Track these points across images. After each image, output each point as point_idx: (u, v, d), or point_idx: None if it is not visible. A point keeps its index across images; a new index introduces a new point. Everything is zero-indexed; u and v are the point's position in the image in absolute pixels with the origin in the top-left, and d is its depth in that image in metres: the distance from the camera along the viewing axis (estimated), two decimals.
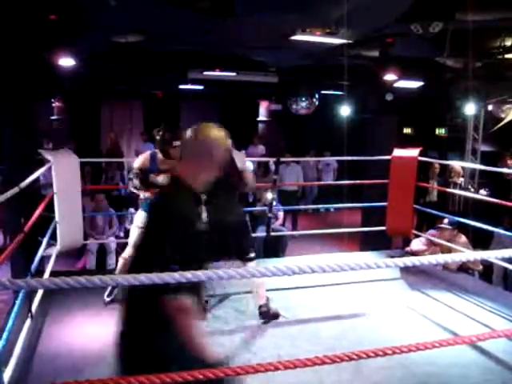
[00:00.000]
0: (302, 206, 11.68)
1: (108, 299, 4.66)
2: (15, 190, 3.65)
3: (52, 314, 4.52)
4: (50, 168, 5.14)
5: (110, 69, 9.21)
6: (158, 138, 4.39)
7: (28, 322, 4.00)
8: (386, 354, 2.03)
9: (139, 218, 4.52)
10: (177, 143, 4.24)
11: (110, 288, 4.64)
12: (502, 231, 6.04)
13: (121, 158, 12.82)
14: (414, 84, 9.30)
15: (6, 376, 3.09)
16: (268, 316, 4.35)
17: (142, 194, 4.58)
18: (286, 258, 7.26)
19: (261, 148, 13.12)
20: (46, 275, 4.82)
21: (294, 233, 9.55)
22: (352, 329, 4.34)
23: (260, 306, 4.34)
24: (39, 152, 5.57)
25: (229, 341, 4.07)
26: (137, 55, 7.74)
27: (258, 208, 8.26)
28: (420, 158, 6.03)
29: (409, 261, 2.14)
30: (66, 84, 10.11)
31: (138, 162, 4.51)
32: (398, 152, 6.21)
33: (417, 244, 6.39)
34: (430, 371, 3.59)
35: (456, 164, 9.47)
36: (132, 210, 8.39)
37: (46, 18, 5.52)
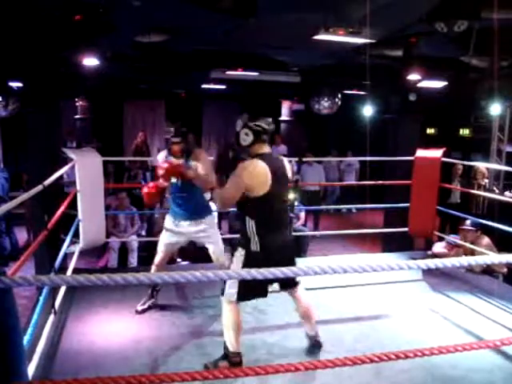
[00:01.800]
0: (324, 207, 11.65)
1: (141, 308, 4.59)
2: (39, 187, 3.70)
3: (74, 311, 4.58)
4: (73, 166, 5.21)
5: (133, 68, 9.28)
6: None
7: (51, 317, 4.06)
8: (407, 357, 2.01)
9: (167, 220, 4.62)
10: (176, 139, 4.31)
11: (145, 298, 4.63)
12: None
13: (148, 157, 12.91)
14: (438, 84, 9.19)
15: (30, 370, 3.13)
16: (318, 345, 3.89)
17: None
18: (308, 258, 7.25)
19: (283, 148, 13.10)
20: (69, 272, 4.89)
21: (316, 233, 9.52)
22: (373, 330, 4.31)
23: (314, 337, 3.88)
24: (63, 150, 5.64)
25: (248, 340, 4.08)
26: (160, 55, 7.79)
27: None
28: (443, 159, 5.96)
29: (432, 263, 2.12)
30: (90, 83, 10.21)
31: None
32: (421, 153, 6.16)
33: (439, 246, 6.33)
34: (452, 375, 3.55)
35: (481, 165, 9.35)
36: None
37: (71, 18, 5.58)
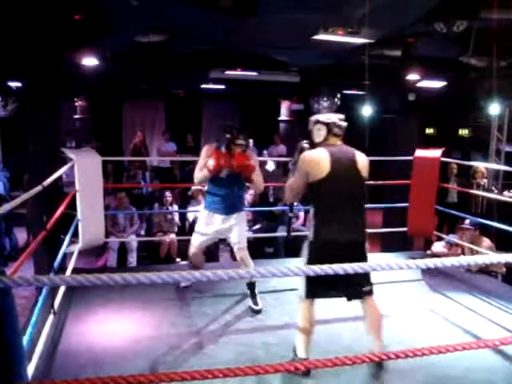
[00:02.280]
0: None
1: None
2: (38, 188, 3.70)
3: (73, 311, 4.57)
4: (72, 166, 5.21)
5: (132, 68, 9.28)
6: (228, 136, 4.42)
7: (51, 317, 4.06)
8: (407, 357, 2.02)
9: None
10: (241, 142, 4.34)
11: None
12: None
13: (146, 157, 12.93)
14: (437, 84, 9.20)
15: (30, 370, 3.13)
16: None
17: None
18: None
19: (282, 147, 13.11)
20: (68, 272, 4.88)
21: None
22: None
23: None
24: (62, 150, 5.64)
25: (247, 338, 4.08)
26: (159, 55, 7.79)
27: (278, 208, 8.26)
28: (443, 159, 5.97)
29: (431, 262, 2.12)
30: (89, 83, 10.21)
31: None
32: (420, 152, 6.16)
33: (438, 246, 6.34)
34: (452, 375, 3.55)
35: (480, 165, 9.35)
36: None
37: (71, 18, 5.58)
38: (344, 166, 3.39)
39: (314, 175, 3.36)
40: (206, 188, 4.86)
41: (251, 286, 4.67)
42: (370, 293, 3.50)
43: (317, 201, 3.45)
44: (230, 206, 4.52)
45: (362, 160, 3.50)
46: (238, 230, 4.58)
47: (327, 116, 3.55)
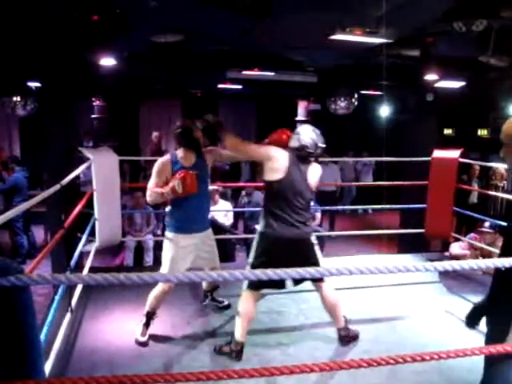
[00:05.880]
0: (340, 207, 11.61)
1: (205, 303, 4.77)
2: (56, 187, 3.72)
3: (90, 309, 4.61)
4: (89, 166, 5.24)
5: (149, 68, 9.32)
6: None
7: (68, 315, 4.09)
8: (423, 360, 1.99)
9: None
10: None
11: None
12: None
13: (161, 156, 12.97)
14: (456, 84, 9.11)
15: (47, 368, 3.16)
16: (347, 339, 4.02)
17: None
18: (323, 258, 7.22)
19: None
20: (85, 271, 4.92)
21: (331, 233, 9.49)
22: (389, 332, 4.28)
23: (339, 330, 4.02)
24: (80, 150, 5.68)
25: (262, 339, 4.08)
26: (176, 55, 7.81)
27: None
28: (461, 160, 5.90)
29: (449, 264, 2.09)
30: (107, 83, 10.28)
31: None
32: (438, 153, 6.10)
33: (456, 248, 6.27)
34: (469, 379, 3.50)
35: (499, 166, 9.23)
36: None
37: (89, 19, 5.61)
38: (298, 171, 3.78)
39: (272, 170, 3.71)
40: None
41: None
42: (321, 280, 3.85)
43: (271, 198, 3.81)
44: (204, 218, 4.20)
45: (317, 172, 3.95)
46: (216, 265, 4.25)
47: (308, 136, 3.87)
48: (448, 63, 7.58)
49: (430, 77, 7.56)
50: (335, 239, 9.51)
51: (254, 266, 3.70)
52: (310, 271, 1.82)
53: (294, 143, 3.84)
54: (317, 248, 3.91)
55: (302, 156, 3.82)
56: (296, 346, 3.98)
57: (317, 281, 3.86)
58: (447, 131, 14.78)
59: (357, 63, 8.72)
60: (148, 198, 4.12)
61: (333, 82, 10.19)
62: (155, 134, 13.10)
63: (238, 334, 3.78)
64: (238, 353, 3.76)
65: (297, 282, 3.79)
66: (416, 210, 6.51)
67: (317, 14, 5.59)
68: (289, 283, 3.77)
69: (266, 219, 3.75)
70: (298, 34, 6.60)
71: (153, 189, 4.01)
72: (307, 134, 3.85)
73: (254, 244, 3.82)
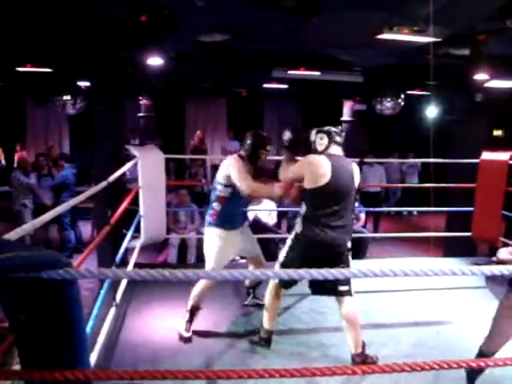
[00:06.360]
0: (385, 208, 11.45)
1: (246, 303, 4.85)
2: (104, 183, 3.81)
3: (134, 304, 4.69)
4: (136, 163, 5.34)
5: (195, 67, 9.41)
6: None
7: (112, 310, 4.18)
8: (469, 366, 1.95)
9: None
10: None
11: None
12: None
13: (205, 155, 13.12)
14: (507, 83, 8.84)
15: (92, 360, 3.24)
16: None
17: None
18: (367, 260, 7.15)
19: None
20: (130, 266, 5.01)
21: (376, 235, 9.38)
22: (432, 336, 4.20)
23: (354, 356, 3.63)
24: (126, 148, 5.78)
25: (304, 340, 4.06)
26: (222, 54, 7.86)
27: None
28: (511, 162, 5.74)
29: (496, 269, 2.04)
30: (154, 82, 10.42)
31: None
32: (487, 155, 5.95)
33: (504, 253, 6.08)
34: None
35: None
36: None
37: (137, 19, 5.71)
38: (343, 174, 3.63)
39: (313, 180, 3.57)
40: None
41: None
42: (348, 293, 3.68)
43: (313, 203, 3.65)
44: (242, 217, 4.48)
45: (357, 171, 3.82)
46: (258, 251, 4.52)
47: (328, 127, 3.78)
48: (499, 62, 7.36)
49: (480, 76, 7.35)
50: (379, 241, 9.40)
51: (283, 266, 3.69)
52: (354, 272, 1.81)
53: (318, 142, 3.73)
54: (350, 254, 3.79)
55: (338, 142, 3.72)
56: (337, 347, 3.95)
57: (338, 294, 3.71)
58: (497, 132, 14.38)
59: (404, 63, 8.58)
60: (248, 190, 3.98)
61: (379, 81, 10.05)
62: (197, 133, 13.25)
63: (266, 323, 3.94)
64: (266, 340, 3.94)
65: (315, 291, 3.80)
66: (463, 213, 6.36)
67: (363, 13, 5.53)
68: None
69: (305, 222, 3.66)
70: (345, 34, 6.54)
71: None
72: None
73: (289, 244, 3.77)
